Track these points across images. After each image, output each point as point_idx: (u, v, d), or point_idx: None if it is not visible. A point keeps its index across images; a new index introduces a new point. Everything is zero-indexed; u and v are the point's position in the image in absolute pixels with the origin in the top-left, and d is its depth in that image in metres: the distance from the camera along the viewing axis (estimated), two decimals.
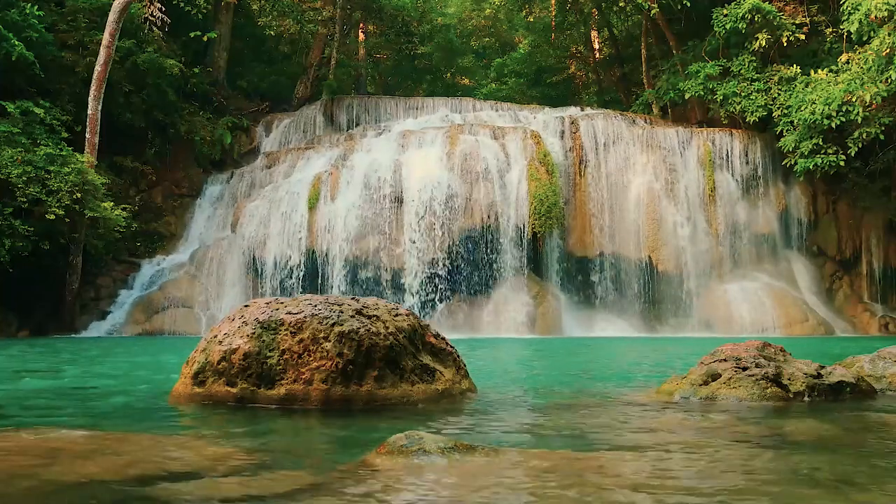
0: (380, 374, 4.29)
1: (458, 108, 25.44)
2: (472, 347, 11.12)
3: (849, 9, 18.62)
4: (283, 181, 21.27)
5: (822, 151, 19.45)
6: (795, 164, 19.99)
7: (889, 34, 17.44)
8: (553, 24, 32.12)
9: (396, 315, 4.62)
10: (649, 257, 20.50)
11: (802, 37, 21.73)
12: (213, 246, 20.59)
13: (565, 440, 3.43)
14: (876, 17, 17.44)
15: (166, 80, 22.14)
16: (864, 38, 18.62)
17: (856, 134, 18.87)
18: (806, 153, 19.59)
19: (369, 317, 4.45)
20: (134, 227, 20.00)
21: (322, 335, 4.26)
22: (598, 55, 34.17)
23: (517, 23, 36.18)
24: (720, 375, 4.66)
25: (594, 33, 33.43)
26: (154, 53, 21.64)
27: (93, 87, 18.62)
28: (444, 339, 4.91)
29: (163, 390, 5.00)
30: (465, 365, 4.97)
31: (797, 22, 22.07)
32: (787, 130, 20.44)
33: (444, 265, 19.07)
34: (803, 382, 4.53)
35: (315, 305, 4.41)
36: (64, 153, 16.80)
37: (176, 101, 22.93)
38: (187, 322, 18.90)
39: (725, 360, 4.77)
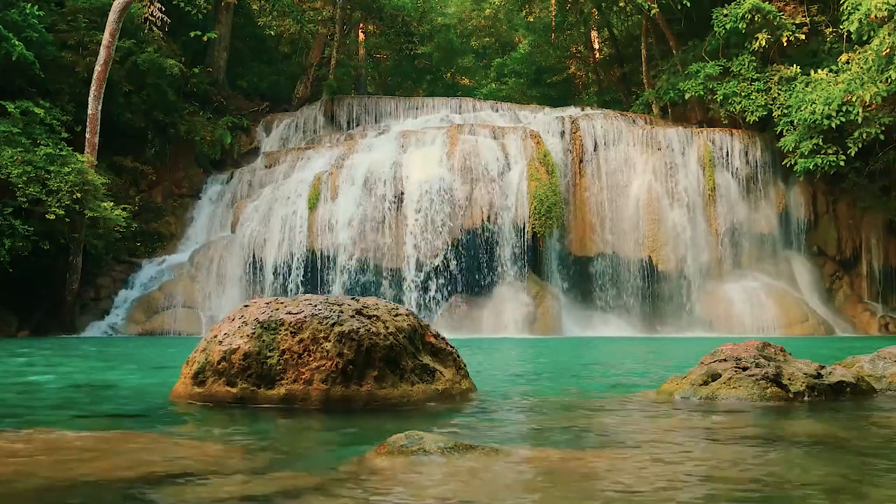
0: (380, 374, 4.29)
1: (458, 108, 25.45)
2: (471, 347, 11.12)
3: (849, 9, 18.62)
4: (283, 181, 21.28)
5: (822, 151, 19.45)
6: (795, 164, 19.99)
7: (889, 34, 17.44)
8: (553, 24, 32.13)
9: (396, 315, 4.61)
10: (649, 257, 20.50)
11: (802, 37, 21.73)
12: (213, 246, 20.59)
13: (565, 440, 3.43)
14: (876, 16, 17.44)
15: (166, 80, 22.14)
16: (864, 38, 18.62)
17: (856, 134, 18.86)
18: (806, 153, 19.59)
19: (369, 317, 4.44)
20: (134, 227, 20.00)
21: (322, 335, 4.25)
22: (598, 55, 34.17)
23: (517, 23, 36.18)
24: (720, 375, 4.66)
25: (594, 33, 33.43)
26: (154, 53, 21.65)
27: (93, 87, 18.62)
28: (443, 338, 4.90)
29: (163, 390, 5.00)
30: (465, 365, 4.96)
31: (797, 22, 22.07)
32: (787, 130, 20.44)
33: (444, 265, 19.07)
34: (803, 382, 4.53)
35: (315, 305, 4.41)
36: (64, 153, 16.80)
37: (176, 101, 22.94)
38: (187, 322, 18.90)
39: (725, 360, 4.77)
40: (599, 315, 20.21)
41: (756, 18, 21.18)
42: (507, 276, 19.42)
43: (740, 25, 21.20)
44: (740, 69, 21.94)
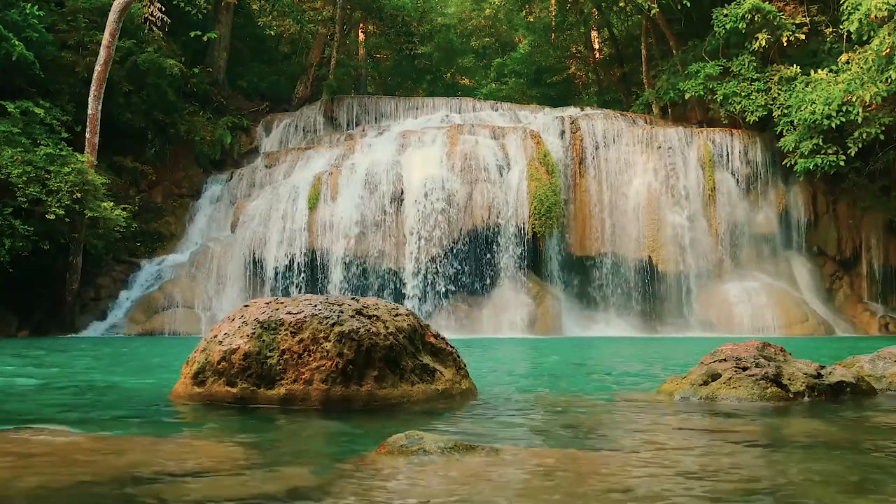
0: (380, 374, 4.28)
1: (458, 108, 25.45)
2: (472, 347, 11.12)
3: (849, 9, 18.62)
4: (283, 181, 21.29)
5: (822, 151, 19.45)
6: (795, 164, 19.99)
7: (889, 34, 17.44)
8: (553, 24, 32.13)
9: (396, 315, 4.61)
10: (649, 257, 20.50)
11: (802, 37, 21.73)
12: (213, 246, 20.58)
13: (565, 440, 3.43)
14: (876, 16, 17.44)
15: (166, 80, 22.14)
16: (864, 38, 18.62)
17: (856, 134, 18.87)
18: (806, 153, 19.59)
19: (369, 317, 4.44)
20: (134, 227, 20.00)
21: (322, 335, 4.25)
22: (598, 55, 34.17)
23: (517, 23, 36.19)
24: (720, 375, 4.66)
25: (594, 33, 33.44)
26: (154, 53, 21.65)
27: (93, 87, 18.63)
28: (443, 338, 4.90)
29: (163, 390, 5.00)
30: (465, 365, 4.96)
31: (797, 22, 22.07)
32: (787, 130, 20.44)
33: (444, 265, 19.07)
34: (803, 382, 4.53)
35: (315, 305, 4.41)
36: (64, 153, 16.80)
37: (176, 101, 22.94)
38: (187, 322, 18.90)
39: (725, 360, 4.77)
40: (599, 315, 20.22)
41: (756, 18, 21.18)
42: (507, 276, 19.42)
43: (740, 25, 21.20)
44: (740, 69, 21.95)
